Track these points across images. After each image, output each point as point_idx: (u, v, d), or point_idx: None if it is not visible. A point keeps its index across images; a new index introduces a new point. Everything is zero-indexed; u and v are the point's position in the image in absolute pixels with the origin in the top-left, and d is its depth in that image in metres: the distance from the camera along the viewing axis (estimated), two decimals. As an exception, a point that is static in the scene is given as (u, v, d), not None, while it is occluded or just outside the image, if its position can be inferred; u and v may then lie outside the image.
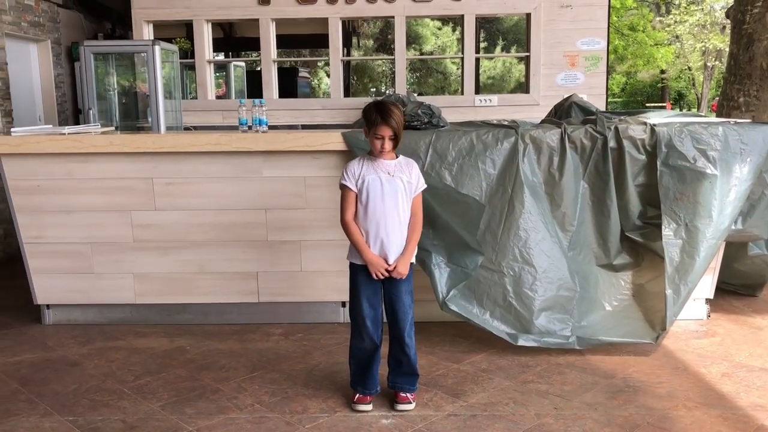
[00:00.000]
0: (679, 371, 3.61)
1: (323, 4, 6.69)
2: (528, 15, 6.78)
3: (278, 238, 4.31)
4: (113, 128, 5.03)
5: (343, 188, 3.12)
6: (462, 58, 6.88)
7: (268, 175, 4.24)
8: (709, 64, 37.58)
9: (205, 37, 6.82)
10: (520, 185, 3.88)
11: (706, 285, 4.28)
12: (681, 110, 29.95)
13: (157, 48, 5.36)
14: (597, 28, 6.81)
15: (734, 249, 4.42)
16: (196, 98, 7.03)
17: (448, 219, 3.83)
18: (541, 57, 6.78)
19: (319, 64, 26.68)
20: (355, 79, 20.93)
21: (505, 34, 24.49)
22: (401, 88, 6.80)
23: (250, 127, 4.34)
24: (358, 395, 3.22)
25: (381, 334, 3.21)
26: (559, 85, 6.84)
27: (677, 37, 37.23)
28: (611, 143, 4.01)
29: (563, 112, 5.35)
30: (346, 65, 16.37)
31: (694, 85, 41.93)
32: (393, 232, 3.08)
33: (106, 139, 4.14)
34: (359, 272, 3.14)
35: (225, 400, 3.31)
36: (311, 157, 4.20)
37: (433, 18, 18.32)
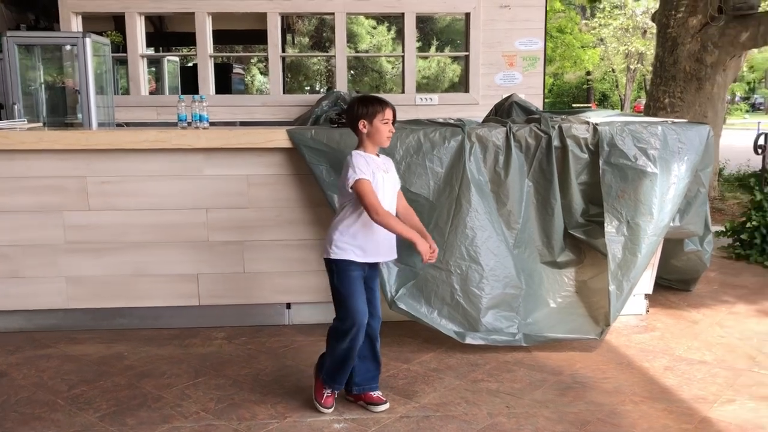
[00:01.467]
0: (624, 366, 3.67)
1: (263, 0, 6.54)
2: (467, 14, 6.82)
3: (220, 238, 4.17)
4: (40, 125, 4.76)
5: (362, 182, 2.90)
6: (403, 57, 6.86)
7: (210, 174, 4.10)
8: (631, 66, 39.05)
9: (137, 31, 6.56)
10: (467, 184, 3.87)
11: (646, 281, 4.38)
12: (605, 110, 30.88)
13: (88, 40, 5.11)
14: (534, 29, 6.91)
15: (671, 245, 4.55)
16: (129, 94, 6.76)
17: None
18: (480, 57, 6.83)
19: (252, 60, 26.30)
20: (289, 76, 20.70)
21: (439, 34, 24.71)
22: (342, 85, 6.72)
23: (189, 124, 4.18)
24: (327, 395, 3.13)
25: None
26: (498, 85, 6.91)
27: (602, 40, 38.52)
28: (555, 142, 4.06)
29: (504, 111, 5.38)
30: (282, 62, 16.23)
31: (617, 86, 43.47)
32: (392, 235, 3.05)
33: (35, 135, 3.91)
34: (354, 269, 3.01)
35: (168, 409, 3.17)
36: (255, 154, 4.08)
37: (373, 15, 18.28)
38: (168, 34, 9.28)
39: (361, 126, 3.02)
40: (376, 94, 3.30)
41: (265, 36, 14.47)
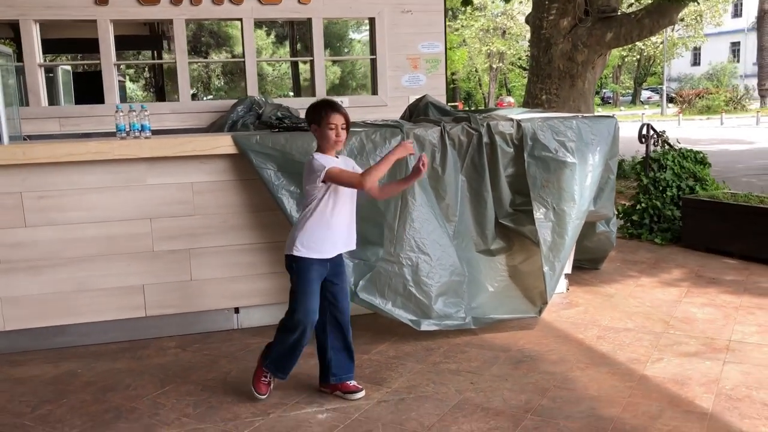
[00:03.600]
0: (562, 339, 4.06)
1: (167, 5, 6.44)
2: (372, 19, 7.06)
3: (165, 247, 4.15)
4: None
5: (330, 170, 3.04)
6: (312, 61, 6.99)
7: (153, 183, 4.07)
8: (493, 65, 41.14)
9: (34, 39, 6.26)
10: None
11: (567, 262, 4.81)
12: (470, 108, 32.50)
13: (-6, 50, 4.86)
14: (435, 32, 7.27)
15: (584, 228, 5.00)
16: (27, 105, 6.43)
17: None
18: (386, 59, 7.09)
19: (121, 67, 25.26)
20: (168, 84, 20.09)
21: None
22: (253, 90, 6.75)
23: (128, 133, 4.12)
24: (264, 383, 3.28)
25: None
26: (405, 87, 7.21)
27: (464, 40, 40.30)
28: (485, 139, 4.38)
29: (420, 111, 5.67)
30: (159, 68, 15.77)
31: (480, 85, 45.69)
32: (352, 229, 3.24)
33: (-34, 151, 3.72)
34: (314, 269, 3.14)
35: (146, 418, 3.17)
36: (199, 162, 4.10)
37: (280, 21, 18.11)
38: (57, 41, 8.83)
39: (312, 130, 3.20)
40: (331, 99, 3.45)
41: (138, 42, 13.93)
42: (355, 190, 3.21)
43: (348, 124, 3.18)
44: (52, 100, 8.22)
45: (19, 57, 6.39)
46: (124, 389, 3.50)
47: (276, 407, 3.24)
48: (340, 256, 3.27)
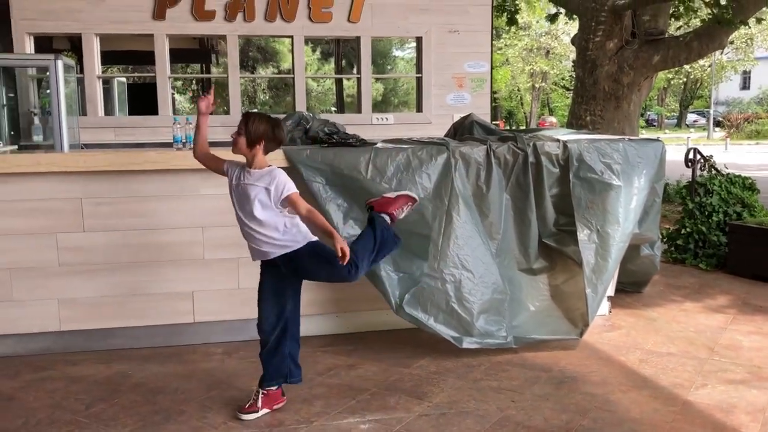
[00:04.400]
0: (603, 361, 4.05)
1: (221, 21, 6.66)
2: (419, 39, 7.17)
3: (215, 256, 4.28)
4: (15, 147, 4.71)
5: (296, 194, 3.23)
6: (359, 78, 7.12)
7: (206, 193, 4.21)
8: (536, 85, 40.99)
9: (94, 52, 6.53)
10: (455, 197, 4.17)
11: (610, 284, 4.80)
12: (511, 128, 32.46)
13: (60, 63, 5.09)
14: (481, 52, 7.35)
15: (628, 251, 4.98)
16: (85, 114, 6.69)
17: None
18: (432, 78, 7.19)
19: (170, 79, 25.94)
20: (216, 98, 20.60)
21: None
22: (301, 105, 6.91)
23: (184, 144, 4.27)
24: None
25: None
26: (449, 105, 7.29)
27: (507, 59, 40.27)
28: (530, 158, 4.42)
29: (465, 129, 5.72)
30: (207, 82, 16.11)
31: (522, 104, 45.56)
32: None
33: (32, 158, 3.91)
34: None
35: (194, 421, 3.27)
36: (250, 174, 4.22)
37: (330, 39, 18.45)
38: (115, 53, 9.17)
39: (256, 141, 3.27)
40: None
41: (188, 55, 14.27)
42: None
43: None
44: (108, 110, 8.52)
45: (78, 68, 6.65)
46: (172, 392, 3.62)
47: (319, 415, 3.31)
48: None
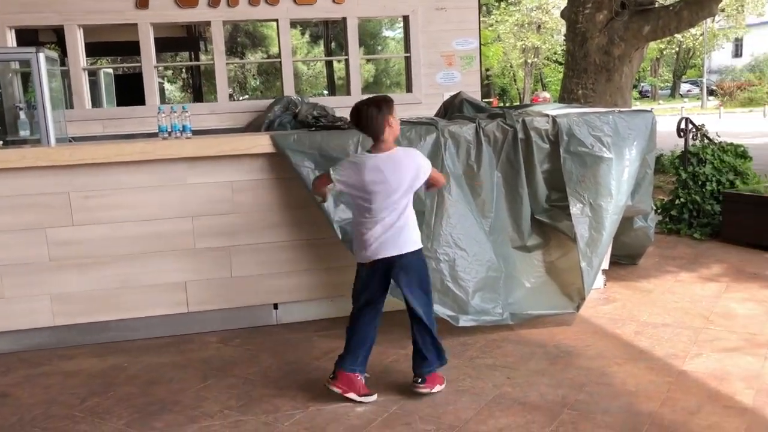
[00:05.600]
0: (599, 334, 4.05)
1: (205, 7, 6.58)
2: (406, 17, 7.10)
3: (207, 245, 4.26)
4: (0, 143, 4.66)
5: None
6: (347, 60, 7.07)
7: (194, 182, 4.18)
8: (528, 60, 40.77)
9: (78, 43, 6.45)
10: (446, 176, 4.13)
11: (604, 257, 4.79)
12: (505, 104, 32.38)
13: (41, 56, 5.02)
14: (469, 29, 7.28)
15: (621, 223, 4.96)
16: (72, 107, 6.63)
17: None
18: (420, 57, 7.12)
19: (159, 69, 25.75)
20: (205, 85, 20.43)
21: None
22: (290, 90, 6.85)
23: (170, 134, 4.23)
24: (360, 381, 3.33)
25: None
26: (439, 84, 7.23)
27: (499, 36, 40.02)
28: (520, 135, 4.38)
29: (455, 108, 5.69)
30: (197, 69, 16.02)
31: (515, 80, 45.34)
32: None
33: (18, 153, 3.87)
34: (360, 269, 3.34)
35: (190, 410, 3.26)
36: (238, 161, 4.19)
37: (315, 21, 18.30)
38: (101, 44, 9.07)
39: (388, 121, 3.17)
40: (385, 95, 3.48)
41: (176, 44, 14.16)
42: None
43: None
44: (95, 102, 8.45)
45: (63, 61, 6.58)
46: (169, 382, 3.61)
47: (314, 401, 3.31)
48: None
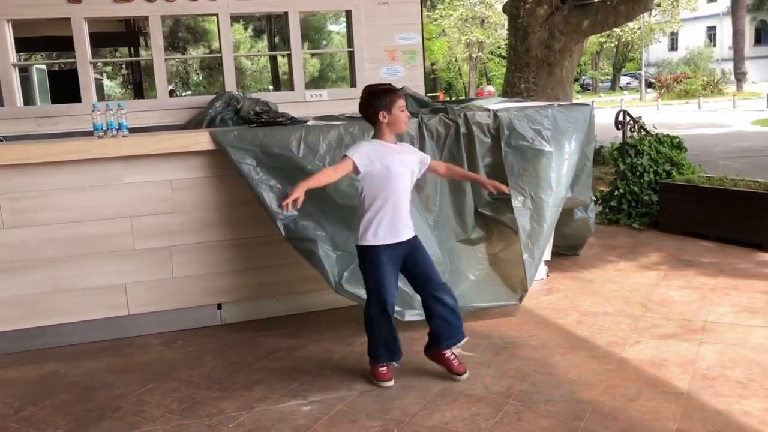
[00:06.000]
0: (542, 325, 4.11)
1: (141, 2, 6.38)
2: (348, 12, 7.04)
3: (146, 245, 4.15)
4: None
5: (343, 158, 3.31)
6: (290, 54, 6.98)
7: (132, 181, 4.07)
8: (473, 55, 41.24)
9: (7, 39, 6.19)
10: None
11: (546, 249, 4.87)
12: (451, 98, 32.67)
13: (-34, 51, 4.79)
14: (412, 23, 7.26)
15: (562, 215, 5.04)
16: (2, 105, 6.36)
17: (329, 208, 3.98)
18: (364, 52, 7.09)
19: (98, 65, 25.05)
20: (146, 81, 19.96)
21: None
22: (231, 86, 6.72)
23: (105, 132, 4.10)
24: (382, 371, 3.38)
25: None
26: (383, 79, 7.19)
27: (443, 31, 40.35)
28: (462, 129, 4.41)
29: (398, 103, 5.68)
30: (137, 65, 15.64)
31: (460, 75, 45.79)
32: None
33: (-60, 154, 3.69)
34: (381, 253, 3.29)
35: (131, 416, 3.18)
36: (177, 159, 4.10)
37: (257, 15, 18.02)
38: (33, 39, 8.73)
39: (381, 117, 3.24)
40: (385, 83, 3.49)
41: (115, 39, 13.76)
42: (409, 173, 3.39)
43: None
44: (28, 100, 8.15)
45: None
46: (108, 388, 3.51)
47: (260, 401, 3.27)
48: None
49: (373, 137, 3.39)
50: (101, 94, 20.82)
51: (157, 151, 4.01)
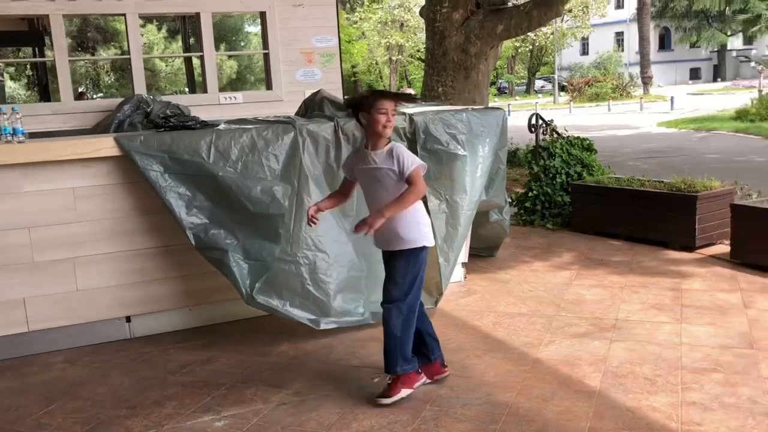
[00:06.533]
0: (459, 327, 4.13)
1: (41, 1, 6.07)
2: (263, 13, 6.91)
3: (47, 257, 3.93)
4: None
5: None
6: (202, 56, 6.79)
7: (30, 190, 3.84)
8: (393, 58, 41.55)
9: None
10: (305, 178, 4.06)
11: (462, 251, 4.91)
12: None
13: None
14: (328, 26, 7.21)
15: (478, 217, 5.10)
16: None
17: (241, 216, 3.87)
18: (279, 54, 6.98)
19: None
20: (53, 82, 19.06)
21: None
22: (141, 88, 6.48)
23: (13, 136, 3.85)
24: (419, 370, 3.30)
25: None
26: (300, 81, 7.12)
27: (363, 33, 40.50)
28: (378, 133, 4.38)
29: (315, 106, 5.61)
30: (43, 66, 14.91)
31: (381, 77, 46.06)
32: None
33: None
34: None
35: (29, 441, 2.99)
36: (80, 165, 3.90)
37: (169, 15, 17.40)
38: None
39: (361, 119, 3.12)
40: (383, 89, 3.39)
41: (16, 38, 13.08)
42: (381, 182, 3.21)
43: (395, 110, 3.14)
44: None
45: None
46: (5, 411, 3.29)
47: (171, 418, 3.13)
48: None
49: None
50: (3, 97, 19.75)
51: (57, 158, 3.79)
